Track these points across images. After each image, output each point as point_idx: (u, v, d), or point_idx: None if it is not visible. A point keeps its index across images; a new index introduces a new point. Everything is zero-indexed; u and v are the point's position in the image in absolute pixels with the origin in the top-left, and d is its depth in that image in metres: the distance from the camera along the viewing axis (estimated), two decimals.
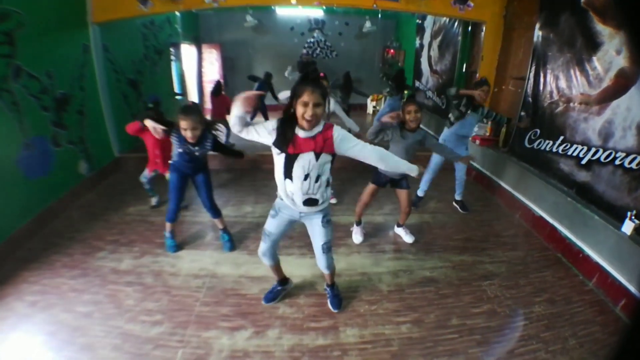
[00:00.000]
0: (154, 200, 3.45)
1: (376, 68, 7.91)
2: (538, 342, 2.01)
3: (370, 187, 2.77)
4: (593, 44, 2.65)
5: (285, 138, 1.61)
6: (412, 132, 2.54)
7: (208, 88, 6.46)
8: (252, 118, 5.65)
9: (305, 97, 1.52)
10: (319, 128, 1.62)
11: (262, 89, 5.55)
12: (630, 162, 2.40)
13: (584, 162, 2.80)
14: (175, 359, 1.84)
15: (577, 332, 2.09)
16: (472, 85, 3.26)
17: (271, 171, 1.81)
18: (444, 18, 5.34)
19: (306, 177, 1.66)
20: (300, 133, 1.61)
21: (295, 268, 2.59)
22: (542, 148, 3.24)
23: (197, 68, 6.92)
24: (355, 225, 3.00)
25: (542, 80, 3.25)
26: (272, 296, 2.26)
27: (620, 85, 2.45)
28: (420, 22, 6.36)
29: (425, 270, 2.63)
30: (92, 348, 1.90)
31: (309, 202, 1.73)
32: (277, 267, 2.18)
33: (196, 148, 2.47)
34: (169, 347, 1.92)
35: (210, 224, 3.14)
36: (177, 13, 5.69)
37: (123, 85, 4.39)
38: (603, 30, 2.57)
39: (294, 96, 1.56)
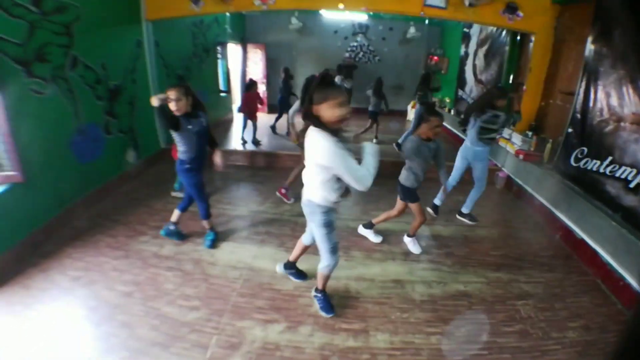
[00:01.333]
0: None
1: (419, 74, 7.85)
2: None
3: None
4: None
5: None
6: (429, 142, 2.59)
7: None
8: (277, 119, 5.80)
9: (342, 98, 1.63)
10: None
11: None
12: None
13: (632, 185, 2.67)
14: (209, 345, 1.94)
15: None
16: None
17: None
18: (492, 27, 5.23)
19: None
20: None
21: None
22: (589, 168, 3.11)
23: (241, 67, 7.13)
24: (406, 236, 3.04)
25: (592, 96, 3.11)
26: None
27: None
28: (467, 30, 6.24)
29: (459, 283, 2.60)
30: (130, 326, 2.03)
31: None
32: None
33: (192, 122, 2.49)
34: (204, 332, 2.02)
35: (250, 218, 3.28)
36: (227, 14, 5.88)
37: (172, 80, 4.62)
38: None
39: (323, 100, 1.64)
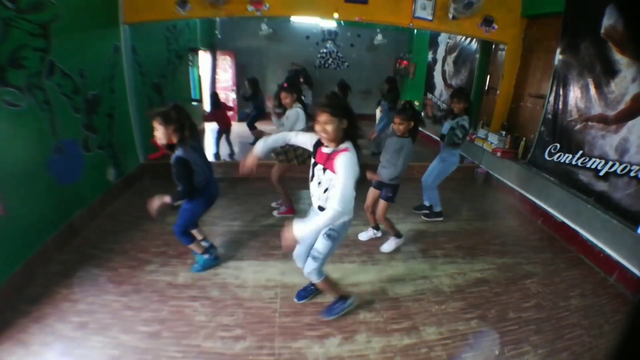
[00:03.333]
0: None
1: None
2: (581, 329, 2.29)
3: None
4: (611, 71, 3.03)
5: (314, 147, 1.80)
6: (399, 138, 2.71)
7: (221, 95, 6.32)
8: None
9: (317, 117, 1.64)
10: (336, 146, 1.70)
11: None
12: None
13: (601, 173, 3.16)
14: None
15: (609, 320, 2.40)
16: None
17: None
18: (458, 36, 5.73)
19: (319, 184, 1.78)
20: (323, 147, 1.75)
21: (361, 275, 2.66)
22: (562, 161, 3.59)
23: (211, 74, 6.75)
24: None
25: (562, 99, 3.62)
26: (305, 294, 2.37)
27: (635, 108, 2.82)
28: (435, 37, 6.65)
29: (476, 272, 2.83)
30: None
31: (320, 209, 1.81)
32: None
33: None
34: None
35: (260, 233, 3.12)
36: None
37: (148, 89, 4.19)
38: (621, 59, 2.94)
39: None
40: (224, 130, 5.05)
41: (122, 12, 3.45)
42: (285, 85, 3.05)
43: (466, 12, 3.73)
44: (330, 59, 7.80)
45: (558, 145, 3.65)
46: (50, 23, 2.52)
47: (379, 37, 6.71)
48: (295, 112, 3.02)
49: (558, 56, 3.63)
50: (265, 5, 3.32)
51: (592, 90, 3.25)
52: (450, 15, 3.83)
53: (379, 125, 5.28)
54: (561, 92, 3.61)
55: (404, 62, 7.86)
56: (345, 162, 1.61)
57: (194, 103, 6.03)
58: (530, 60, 4.30)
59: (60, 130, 2.67)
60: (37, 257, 2.39)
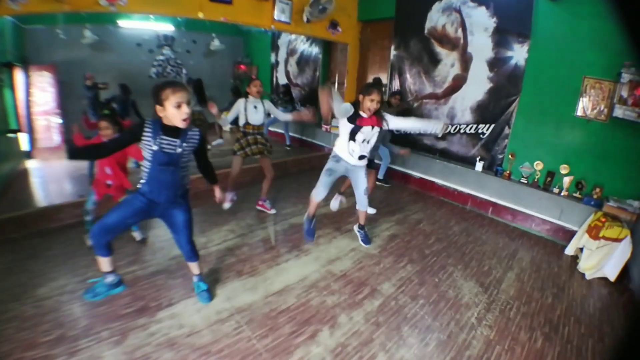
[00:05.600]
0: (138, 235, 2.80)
1: (227, 84, 7.93)
2: (471, 243, 3.28)
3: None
4: (435, 60, 4.17)
5: (354, 116, 2.58)
6: None
7: (41, 122, 4.58)
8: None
9: (374, 96, 2.48)
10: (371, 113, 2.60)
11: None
12: (469, 130, 4.00)
13: (439, 136, 4.31)
14: None
15: (483, 231, 3.54)
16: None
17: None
18: (299, 39, 6.27)
19: (365, 141, 2.62)
20: (362, 117, 2.58)
21: (303, 268, 2.70)
22: (408, 133, 4.64)
23: (25, 97, 4.73)
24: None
25: (399, 85, 4.65)
26: (313, 230, 3.00)
27: (456, 85, 4.02)
28: (276, 41, 6.99)
29: (384, 231, 3.42)
30: None
31: (362, 157, 2.68)
32: (319, 205, 2.96)
33: (178, 143, 1.79)
34: None
35: (176, 269, 2.58)
36: None
37: None
38: (441, 51, 4.10)
39: (365, 93, 2.51)
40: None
41: None
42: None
43: (320, 16, 4.20)
44: (169, 67, 7.01)
45: None
46: None
47: (216, 42, 6.49)
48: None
49: (393, 52, 4.65)
50: (121, 0, 2.69)
51: (423, 76, 4.36)
52: (305, 19, 4.22)
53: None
54: (398, 79, 4.65)
55: (242, 66, 7.99)
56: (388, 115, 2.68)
57: (11, 134, 4.20)
58: (367, 56, 5.28)
59: None
60: None
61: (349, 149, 2.64)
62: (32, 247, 2.82)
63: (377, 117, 2.59)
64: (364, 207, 2.88)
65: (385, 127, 2.64)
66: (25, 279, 2.39)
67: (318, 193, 2.81)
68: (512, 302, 2.44)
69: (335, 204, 3.68)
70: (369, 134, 2.61)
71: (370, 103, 2.49)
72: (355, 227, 3.13)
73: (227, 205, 3.43)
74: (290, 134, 6.21)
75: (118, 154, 2.08)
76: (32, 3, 2.44)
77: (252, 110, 3.17)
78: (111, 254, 1.96)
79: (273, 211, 3.55)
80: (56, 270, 2.48)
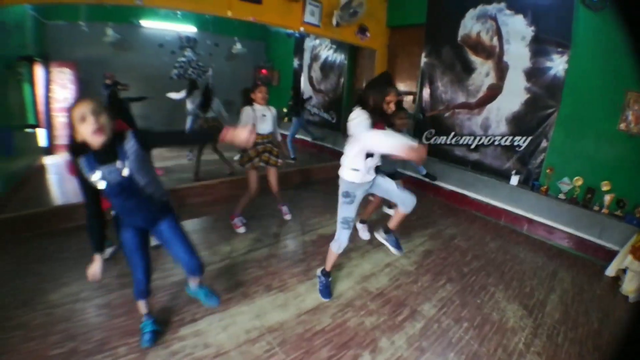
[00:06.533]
0: (108, 252, 2.45)
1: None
2: (509, 261, 3.03)
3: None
4: (469, 69, 3.99)
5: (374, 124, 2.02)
6: None
7: (60, 118, 4.50)
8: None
9: (391, 97, 1.99)
10: None
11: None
12: (504, 142, 3.78)
13: (473, 147, 4.10)
14: None
15: (520, 249, 3.26)
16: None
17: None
18: (324, 45, 6.16)
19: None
20: (380, 122, 2.06)
21: (337, 285, 2.47)
22: (439, 142, 4.45)
23: (44, 92, 4.69)
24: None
25: (430, 93, 4.47)
26: (329, 290, 2.32)
27: (491, 95, 3.82)
28: (300, 45, 6.85)
29: (419, 246, 3.17)
30: None
31: (377, 168, 2.19)
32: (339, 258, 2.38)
33: (119, 164, 1.46)
34: None
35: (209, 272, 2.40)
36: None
37: None
38: (476, 59, 3.92)
39: (382, 94, 1.99)
40: None
41: None
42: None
43: (350, 20, 4.07)
44: (190, 69, 6.95)
45: (433, 131, 4.51)
46: None
47: (238, 45, 6.45)
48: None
49: (423, 59, 4.49)
50: None
51: (456, 85, 4.18)
52: (335, 22, 4.10)
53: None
54: (429, 87, 4.47)
55: (264, 70, 7.91)
56: None
57: (29, 130, 4.12)
58: (395, 63, 5.13)
59: None
60: None
61: (366, 167, 2.08)
62: (44, 248, 2.65)
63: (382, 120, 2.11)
64: (409, 207, 2.24)
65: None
66: (34, 283, 2.21)
67: (341, 243, 2.17)
68: (559, 327, 2.20)
69: (365, 233, 3.23)
70: None
71: (386, 106, 2.03)
72: (381, 235, 2.54)
73: (242, 229, 3.11)
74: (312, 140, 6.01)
75: None
76: None
77: (260, 119, 2.96)
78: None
79: (242, 229, 3.11)
80: (69, 275, 2.30)
